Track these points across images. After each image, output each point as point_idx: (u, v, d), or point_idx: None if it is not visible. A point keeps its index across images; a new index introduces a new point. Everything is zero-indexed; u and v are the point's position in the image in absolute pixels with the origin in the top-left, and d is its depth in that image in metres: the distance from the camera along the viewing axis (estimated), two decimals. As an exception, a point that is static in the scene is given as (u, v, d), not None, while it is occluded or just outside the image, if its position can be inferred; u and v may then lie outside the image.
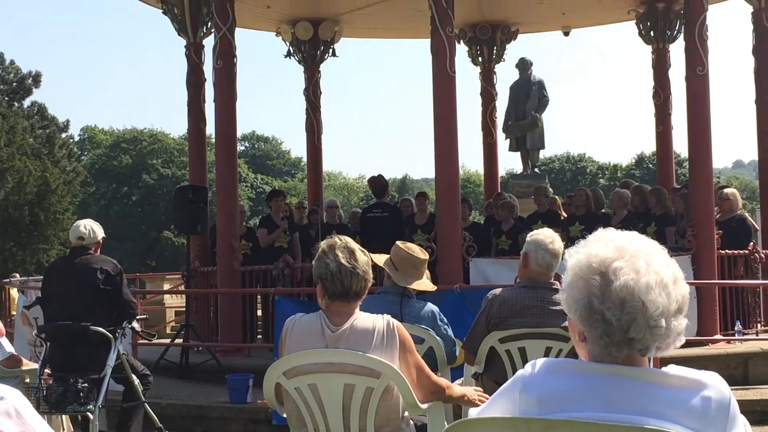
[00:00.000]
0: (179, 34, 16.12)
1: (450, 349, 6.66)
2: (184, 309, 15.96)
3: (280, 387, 4.87)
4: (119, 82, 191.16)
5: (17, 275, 21.89)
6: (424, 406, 5.00)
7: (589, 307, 2.52)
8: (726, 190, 15.06)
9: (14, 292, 19.94)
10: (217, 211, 14.81)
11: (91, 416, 7.90)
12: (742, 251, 14.22)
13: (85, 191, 69.12)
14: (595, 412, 2.50)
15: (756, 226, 15.63)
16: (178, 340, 14.28)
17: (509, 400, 2.68)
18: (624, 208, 14.82)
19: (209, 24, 15.61)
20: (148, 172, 69.40)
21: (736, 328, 13.49)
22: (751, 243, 14.55)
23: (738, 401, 2.59)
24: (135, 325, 8.66)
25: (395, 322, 4.88)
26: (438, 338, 6.52)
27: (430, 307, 6.76)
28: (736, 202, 14.62)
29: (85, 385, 7.93)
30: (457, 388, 5.30)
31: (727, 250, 13.99)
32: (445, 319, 6.82)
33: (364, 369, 4.71)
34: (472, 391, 5.30)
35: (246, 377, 11.37)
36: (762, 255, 14.48)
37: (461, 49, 19.34)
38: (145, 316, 9.87)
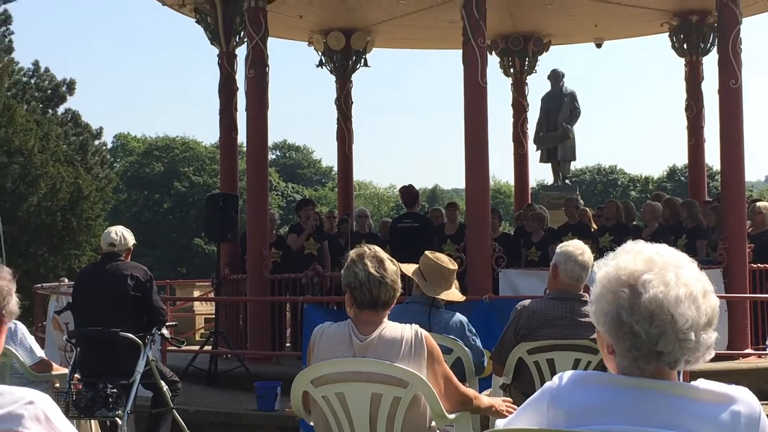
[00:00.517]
0: (212, 43, 16.22)
1: (478, 359, 6.65)
2: (213, 316, 16.01)
3: (308, 395, 4.88)
4: (152, 90, 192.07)
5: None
6: (452, 416, 4.99)
7: (618, 320, 2.51)
8: (758, 204, 14.97)
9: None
10: (248, 219, 14.85)
11: (119, 422, 7.94)
12: (774, 266, 14.12)
13: (117, 198, 69.43)
14: (622, 425, 2.50)
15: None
16: (207, 347, 14.32)
17: (537, 411, 2.67)
18: (656, 221, 14.76)
19: (242, 33, 15.68)
20: (180, 179, 69.69)
21: (767, 342, 13.40)
22: (784, 257, 14.43)
23: (768, 416, 2.57)
24: (164, 331, 8.70)
25: (423, 332, 4.88)
26: (466, 349, 6.52)
27: (459, 317, 6.75)
28: (768, 216, 14.52)
29: (114, 390, 7.97)
30: (485, 399, 5.29)
31: (758, 264, 13.90)
32: (474, 330, 6.81)
33: (391, 378, 4.71)
34: (500, 402, 5.29)
35: (274, 385, 11.38)
36: (794, 269, 14.37)
37: (493, 60, 19.32)
38: (174, 323, 9.89)
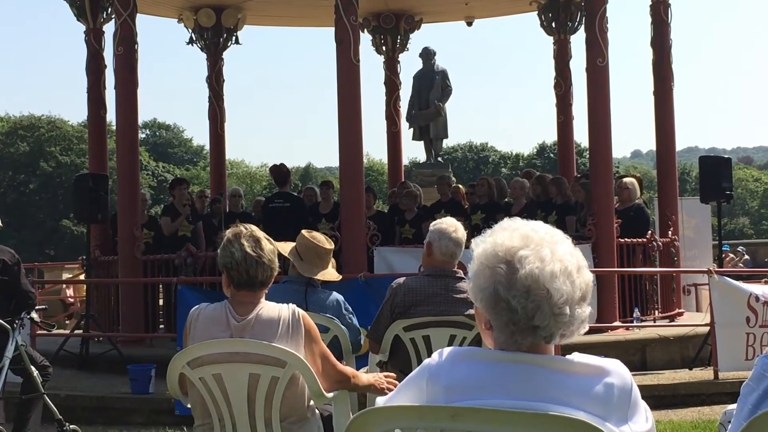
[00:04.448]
0: (78, 20, 15.83)
1: (355, 337, 6.67)
2: (84, 299, 15.72)
3: (185, 377, 4.83)
4: (15, 67, 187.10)
5: None
6: (330, 395, 5.00)
7: (495, 296, 2.54)
8: (625, 180, 15.34)
9: None
10: (118, 199, 14.62)
11: (-12, 409, 7.74)
12: (640, 240, 14.51)
13: (-19, 179, 67.63)
14: (500, 399, 2.52)
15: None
16: (78, 331, 14.07)
17: (416, 388, 2.69)
18: (524, 197, 14.99)
19: (109, 9, 15.36)
20: (46, 159, 68.04)
21: (634, 315, 13.78)
22: (649, 231, 14.85)
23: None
24: (34, 315, 8.49)
25: (300, 312, 4.87)
26: (343, 327, 6.53)
27: (335, 296, 6.76)
28: (634, 191, 14.89)
29: (-18, 377, 7.76)
30: (363, 377, 5.30)
31: (625, 239, 14.25)
32: (350, 308, 6.83)
33: (269, 358, 4.69)
34: (380, 379, 5.30)
35: (148, 368, 11.26)
36: (659, 243, 14.79)
37: (365, 38, 19.33)
38: (44, 306, 9.67)
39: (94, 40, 15.78)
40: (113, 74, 14.69)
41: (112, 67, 14.81)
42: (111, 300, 14.99)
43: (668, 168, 16.12)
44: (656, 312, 15.01)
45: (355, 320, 6.79)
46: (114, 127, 15.74)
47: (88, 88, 15.98)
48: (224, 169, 21.06)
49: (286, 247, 6.58)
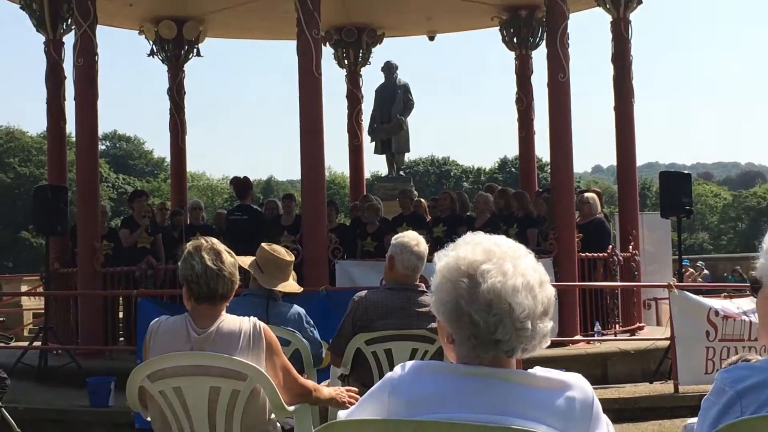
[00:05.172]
0: (38, 30, 15.71)
1: (316, 350, 6.66)
2: (43, 311, 15.59)
3: (144, 390, 4.79)
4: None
5: None
6: (291, 408, 4.98)
7: (457, 309, 2.54)
8: (586, 194, 15.42)
9: None
10: (78, 211, 14.50)
11: (-56, 423, 7.65)
12: (601, 254, 14.58)
13: (-63, 190, 66.91)
14: (462, 413, 2.52)
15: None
16: (37, 343, 13.95)
17: (378, 402, 2.68)
18: (488, 211, 15.02)
19: (69, 20, 15.26)
20: (5, 170, 67.49)
21: (595, 329, 13.84)
22: (610, 246, 14.93)
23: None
24: (-9, 328, 8.42)
25: (262, 325, 4.85)
26: (304, 340, 6.51)
27: (297, 309, 6.74)
28: (595, 206, 14.96)
29: (-61, 390, 7.68)
30: (325, 390, 5.29)
31: (587, 253, 14.32)
32: (312, 321, 6.81)
33: (230, 372, 4.67)
34: (342, 392, 5.29)
35: (107, 380, 11.18)
36: (620, 258, 14.87)
37: (327, 52, 19.34)
38: (2, 319, 9.59)
39: (53, 51, 15.66)
40: (73, 85, 14.59)
41: (72, 78, 14.71)
42: (70, 312, 14.86)
43: (629, 183, 16.22)
44: (617, 326, 15.10)
45: (316, 333, 6.78)
46: (74, 138, 15.63)
47: (48, 98, 15.87)
48: (185, 181, 20.99)
49: (246, 260, 6.55)
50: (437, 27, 20.05)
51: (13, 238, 64.53)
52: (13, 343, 11.68)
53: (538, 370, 2.59)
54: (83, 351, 13.70)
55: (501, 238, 2.64)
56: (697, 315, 11.80)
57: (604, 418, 2.65)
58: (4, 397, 8.67)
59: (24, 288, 22.48)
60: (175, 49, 18.70)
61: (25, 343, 14.61)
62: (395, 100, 19.11)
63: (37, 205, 14.27)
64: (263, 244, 6.88)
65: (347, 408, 3.13)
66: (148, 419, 4.93)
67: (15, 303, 21.44)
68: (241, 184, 15.39)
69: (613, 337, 14.35)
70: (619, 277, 15.25)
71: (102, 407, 11.02)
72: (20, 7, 15.76)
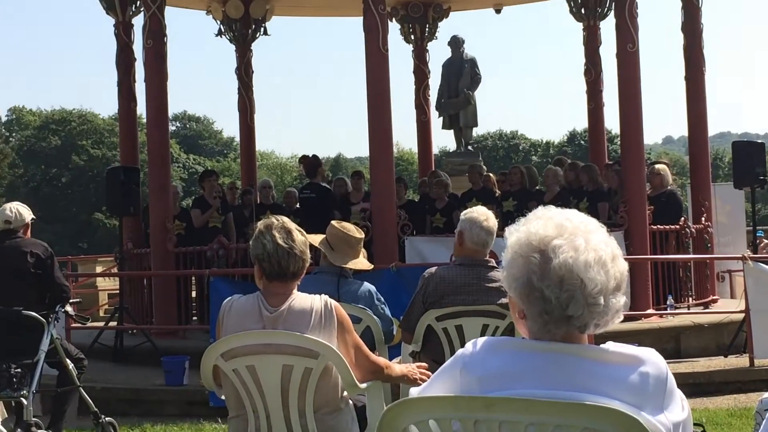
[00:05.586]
0: (108, 13, 15.89)
1: (387, 328, 6.66)
2: (117, 291, 15.80)
3: (218, 369, 4.84)
4: (47, 62, 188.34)
5: None
6: (363, 385, 4.99)
7: (529, 285, 2.53)
8: (657, 166, 15.25)
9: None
10: (150, 191, 14.65)
11: (25, 402, 7.78)
12: (673, 226, 14.42)
13: (14, 173, 68.12)
14: (535, 389, 2.51)
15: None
16: (113, 323, 14.15)
17: (450, 379, 2.68)
18: (557, 185, 14.90)
19: (138, 2, 15.41)
20: (78, 153, 68.50)
21: (668, 303, 13.70)
22: (682, 218, 14.76)
23: (670, 375, 2.61)
24: (68, 308, 8.54)
25: (333, 302, 4.87)
26: (375, 317, 6.52)
27: (367, 286, 6.75)
28: (666, 178, 14.80)
29: (18, 370, 7.80)
30: (396, 368, 5.29)
31: (658, 225, 14.17)
32: (382, 299, 6.82)
33: (302, 350, 4.69)
34: (413, 370, 5.29)
35: (182, 359, 11.30)
36: (692, 230, 14.69)
37: (394, 27, 19.30)
38: (78, 300, 9.72)
39: (123, 33, 15.84)
40: (143, 67, 14.75)
41: (141, 60, 14.86)
42: (144, 292, 15.07)
43: (701, 154, 16.00)
44: (690, 299, 14.93)
45: (387, 310, 6.79)
46: (144, 120, 15.80)
47: (119, 81, 16.06)
48: (254, 160, 21.10)
49: (316, 239, 6.58)
50: None
51: (87, 220, 65.52)
52: (89, 324, 11.82)
53: (610, 345, 2.57)
54: (158, 330, 13.88)
55: (572, 213, 2.62)
56: (772, 287, 11.62)
57: (679, 393, 2.62)
58: (82, 377, 8.79)
59: (99, 269, 22.83)
60: (242, 28, 18.78)
61: (101, 324, 14.84)
62: (462, 74, 19.02)
63: (110, 186, 14.43)
64: (333, 222, 6.91)
65: (419, 385, 3.14)
66: (222, 397, 4.98)
67: (90, 284, 21.76)
68: (310, 163, 15.45)
69: (686, 311, 14.20)
70: (692, 249, 15.07)
71: (177, 386, 11.15)
72: (90, -9, 15.95)
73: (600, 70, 18.58)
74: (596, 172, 15.04)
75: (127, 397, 11.25)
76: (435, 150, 24.14)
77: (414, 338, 6.57)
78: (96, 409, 8.66)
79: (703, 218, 15.25)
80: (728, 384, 11.36)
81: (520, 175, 15.44)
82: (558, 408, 2.46)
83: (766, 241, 23.37)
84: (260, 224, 4.87)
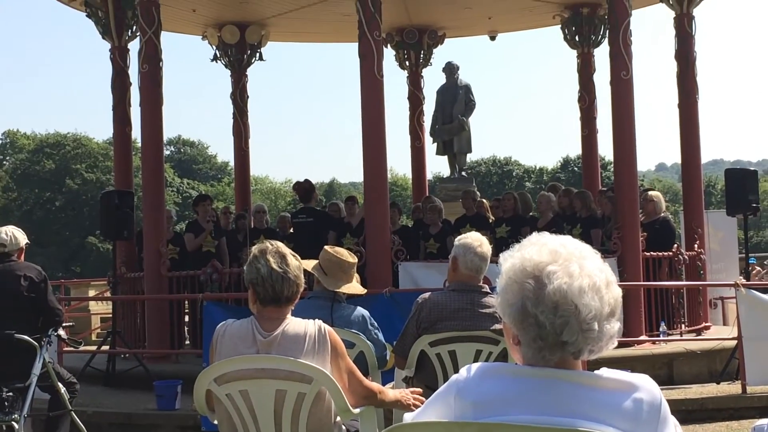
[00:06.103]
0: (104, 38, 15.96)
1: (380, 353, 6.66)
2: (110, 315, 15.76)
3: (211, 393, 4.83)
4: (42, 86, 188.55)
5: None
6: (356, 410, 4.99)
7: (523, 311, 2.53)
8: (650, 193, 15.29)
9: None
10: (144, 216, 14.66)
11: (16, 426, 7.75)
12: (666, 253, 14.44)
13: (7, 197, 68.07)
14: (529, 415, 2.51)
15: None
16: (105, 347, 14.12)
17: (444, 404, 2.67)
18: (550, 211, 14.93)
19: (134, 27, 15.47)
20: (72, 177, 68.50)
21: (660, 329, 13.70)
22: (675, 245, 14.78)
23: (662, 401, 2.62)
24: (61, 332, 8.51)
25: (327, 327, 4.86)
26: (368, 342, 6.52)
27: (361, 311, 6.75)
28: (659, 204, 14.84)
29: (10, 394, 7.78)
30: (390, 393, 5.29)
31: (651, 252, 14.18)
32: (376, 323, 6.81)
33: (295, 374, 4.69)
34: (407, 394, 5.29)
35: (174, 384, 11.27)
36: (685, 256, 14.71)
37: (389, 53, 19.39)
38: (71, 323, 9.71)
39: (119, 57, 15.90)
40: (138, 91, 14.76)
41: (137, 85, 14.89)
42: (137, 316, 15.03)
43: (694, 180, 16.05)
44: (683, 326, 14.94)
45: (380, 335, 6.78)
46: (139, 144, 15.82)
47: (114, 105, 16.10)
48: (248, 185, 21.12)
49: (310, 264, 6.58)
50: (498, 26, 19.99)
51: (81, 244, 65.48)
52: (81, 348, 11.79)
53: (604, 371, 2.57)
54: (150, 355, 13.84)
55: (567, 239, 2.62)
56: (764, 314, 11.63)
57: (672, 420, 2.62)
58: (74, 401, 8.77)
59: (92, 293, 22.79)
60: (237, 53, 18.86)
61: (94, 348, 14.78)
62: (457, 100, 19.10)
63: (103, 210, 14.43)
64: (326, 247, 6.92)
65: (412, 410, 3.13)
66: (215, 422, 4.96)
67: (83, 308, 21.70)
68: (303, 188, 15.47)
69: (678, 337, 14.21)
70: (685, 276, 15.09)
71: (169, 410, 11.12)
72: (86, 15, 16.03)
73: (594, 97, 18.67)
74: (590, 198, 15.05)
75: (118, 421, 11.21)
76: (429, 176, 24.19)
77: (407, 363, 6.56)
78: (88, 434, 8.63)
79: (695, 245, 15.27)
80: (720, 411, 11.34)
81: (513, 201, 15.48)
82: (552, 434, 2.46)
83: (758, 268, 23.41)
84: (255, 249, 4.87)
